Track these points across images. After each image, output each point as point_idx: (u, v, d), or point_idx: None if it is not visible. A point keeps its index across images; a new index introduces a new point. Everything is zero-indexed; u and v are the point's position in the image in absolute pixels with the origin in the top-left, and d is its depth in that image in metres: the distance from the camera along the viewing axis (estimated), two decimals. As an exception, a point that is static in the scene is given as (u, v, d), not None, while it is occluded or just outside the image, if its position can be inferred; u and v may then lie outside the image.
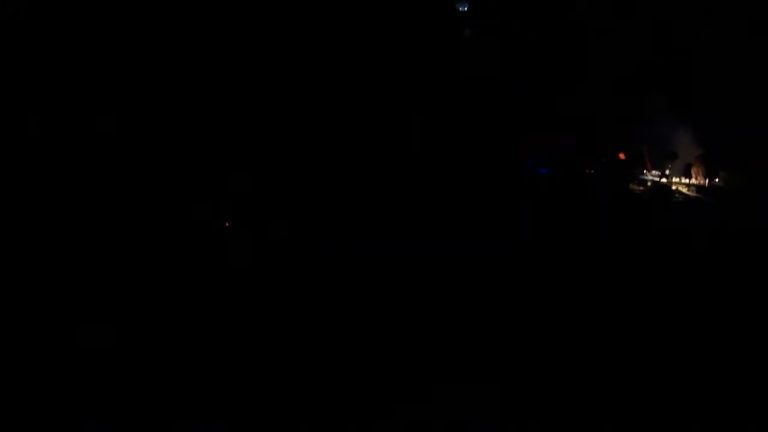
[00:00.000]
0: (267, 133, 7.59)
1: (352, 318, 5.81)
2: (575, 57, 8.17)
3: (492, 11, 8.13)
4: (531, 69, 8.14)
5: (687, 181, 8.32)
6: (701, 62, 8.23)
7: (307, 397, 4.72)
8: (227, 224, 7.11)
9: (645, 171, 8.33)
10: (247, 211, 7.17)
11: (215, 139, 7.41)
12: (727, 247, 7.33)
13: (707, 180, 8.28)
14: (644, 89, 8.23)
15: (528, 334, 5.79)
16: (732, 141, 8.06)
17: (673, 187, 8.30)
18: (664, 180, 8.33)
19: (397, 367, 5.11)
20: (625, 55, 8.23)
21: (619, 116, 8.23)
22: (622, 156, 8.31)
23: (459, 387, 4.86)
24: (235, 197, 7.23)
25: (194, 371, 4.94)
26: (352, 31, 7.83)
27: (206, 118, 7.43)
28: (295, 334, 5.49)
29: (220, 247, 6.78)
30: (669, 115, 8.24)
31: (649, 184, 8.30)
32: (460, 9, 8.13)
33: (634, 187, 8.28)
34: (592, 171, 8.22)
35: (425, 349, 5.36)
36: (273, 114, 7.64)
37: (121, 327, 5.38)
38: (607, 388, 5.07)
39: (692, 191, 8.29)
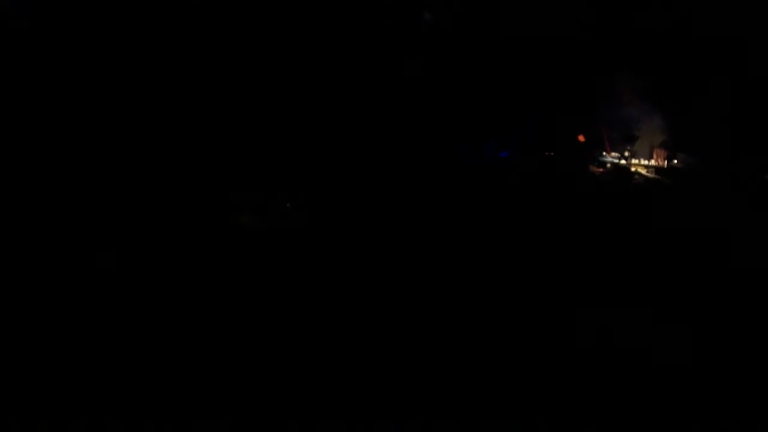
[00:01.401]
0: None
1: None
2: (534, 42, 8.14)
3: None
4: (492, 57, 8.10)
5: (646, 162, 8.35)
6: (662, 46, 8.25)
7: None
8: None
9: (604, 153, 8.35)
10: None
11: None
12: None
13: (666, 162, 8.32)
14: (604, 73, 8.24)
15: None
16: (691, 124, 8.12)
17: (633, 169, 8.33)
18: (623, 162, 8.35)
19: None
20: (586, 40, 8.22)
21: (579, 99, 8.21)
22: (581, 138, 8.31)
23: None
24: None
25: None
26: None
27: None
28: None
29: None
30: (629, 99, 8.25)
31: (608, 165, 8.32)
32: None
33: (594, 168, 8.29)
34: (552, 154, 8.21)
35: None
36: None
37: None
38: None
39: (651, 173, 8.33)
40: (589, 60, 8.17)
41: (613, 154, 8.36)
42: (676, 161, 8.32)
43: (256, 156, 7.53)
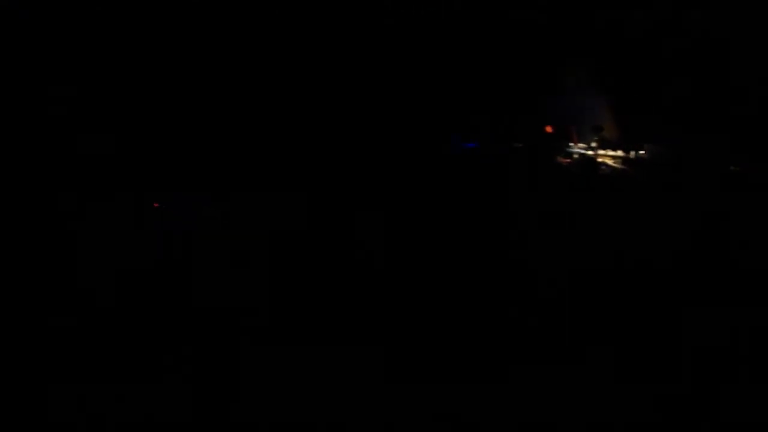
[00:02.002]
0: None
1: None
2: (503, 31, 8.16)
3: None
4: (459, 46, 8.11)
5: (613, 153, 8.40)
6: (628, 36, 8.32)
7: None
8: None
9: (572, 144, 8.39)
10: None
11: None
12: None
13: (632, 153, 8.38)
14: (572, 63, 8.29)
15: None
16: (656, 115, 8.19)
17: (599, 160, 8.38)
18: (590, 153, 8.40)
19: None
20: (554, 28, 8.26)
21: (547, 90, 8.25)
22: (549, 129, 8.34)
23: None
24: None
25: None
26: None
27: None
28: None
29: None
30: (596, 89, 8.31)
31: (575, 156, 8.36)
32: None
33: (561, 159, 8.33)
34: (520, 144, 8.23)
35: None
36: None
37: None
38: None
39: (618, 163, 8.38)
40: (558, 51, 8.22)
41: (580, 145, 8.41)
42: (642, 152, 8.38)
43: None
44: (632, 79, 8.23)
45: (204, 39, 7.63)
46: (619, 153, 8.38)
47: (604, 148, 8.38)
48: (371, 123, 7.87)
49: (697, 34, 8.11)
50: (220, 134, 7.57)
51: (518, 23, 8.20)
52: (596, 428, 4.93)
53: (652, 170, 8.20)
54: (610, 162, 8.38)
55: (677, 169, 8.12)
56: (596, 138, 8.38)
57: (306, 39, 7.82)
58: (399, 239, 7.16)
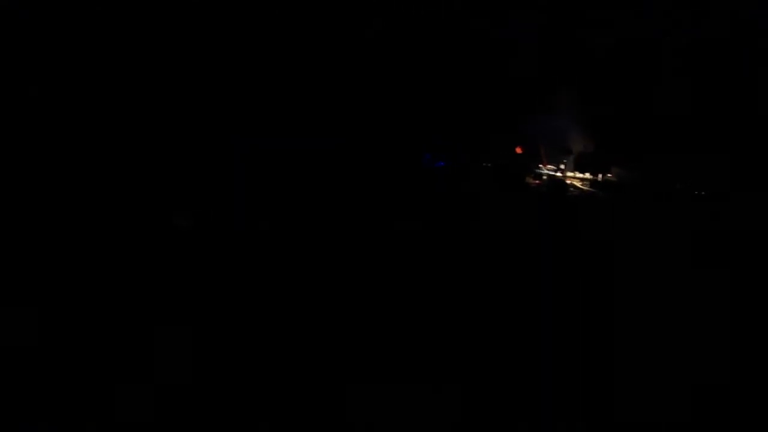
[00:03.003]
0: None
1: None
2: (473, 56, 8.30)
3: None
4: (433, 67, 8.23)
5: (581, 175, 8.51)
6: (597, 60, 8.48)
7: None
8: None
9: (541, 165, 8.49)
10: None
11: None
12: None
13: (600, 175, 8.50)
14: (542, 86, 8.42)
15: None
16: (623, 137, 8.32)
17: (568, 181, 8.48)
18: (559, 174, 8.50)
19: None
20: (524, 51, 8.41)
21: (517, 112, 8.37)
22: (519, 150, 8.45)
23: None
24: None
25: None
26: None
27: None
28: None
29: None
30: (565, 111, 8.43)
31: (544, 177, 8.46)
32: None
33: (530, 180, 8.42)
34: (490, 164, 8.33)
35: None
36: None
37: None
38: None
39: (586, 185, 8.49)
40: (529, 74, 8.35)
41: (549, 166, 8.51)
42: (610, 174, 8.50)
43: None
44: (602, 102, 8.37)
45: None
46: (587, 175, 8.49)
47: (572, 170, 8.49)
48: (345, 141, 7.93)
49: (664, 59, 8.29)
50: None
51: (492, 45, 8.34)
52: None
53: (620, 192, 8.32)
54: (578, 184, 8.49)
55: (645, 191, 8.24)
56: (565, 160, 8.49)
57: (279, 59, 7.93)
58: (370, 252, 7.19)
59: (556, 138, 8.47)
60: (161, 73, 7.68)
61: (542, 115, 8.39)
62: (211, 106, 7.69)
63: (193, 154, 7.54)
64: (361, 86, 7.98)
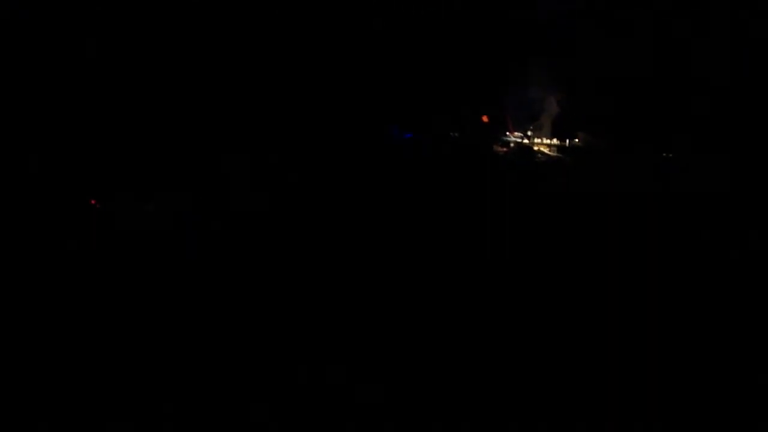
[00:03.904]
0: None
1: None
2: (441, 23, 8.37)
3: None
4: (399, 38, 8.31)
5: (548, 141, 8.66)
6: (564, 26, 8.53)
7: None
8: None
9: (507, 133, 8.63)
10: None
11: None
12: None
13: (567, 141, 8.64)
14: (509, 55, 8.50)
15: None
16: (589, 104, 8.43)
17: (535, 148, 8.64)
18: (526, 141, 8.65)
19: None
20: (491, 20, 8.46)
21: (483, 80, 8.47)
22: (485, 119, 8.58)
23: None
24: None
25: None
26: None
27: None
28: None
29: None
30: (531, 79, 8.53)
31: (511, 145, 8.61)
32: None
33: (497, 148, 8.58)
34: (456, 134, 8.49)
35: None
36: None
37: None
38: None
39: (553, 151, 8.64)
40: (492, 41, 8.42)
41: (516, 133, 8.65)
42: (577, 140, 8.64)
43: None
44: (567, 69, 8.45)
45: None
46: (555, 141, 8.64)
47: (539, 137, 8.63)
48: (314, 114, 8.09)
49: (629, 26, 8.33)
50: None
51: (457, 16, 8.40)
52: None
53: (586, 157, 8.47)
54: (545, 150, 8.64)
55: (610, 157, 8.38)
56: (531, 127, 8.63)
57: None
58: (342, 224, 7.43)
59: (523, 105, 8.59)
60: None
61: (510, 83, 8.50)
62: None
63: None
64: (326, 59, 8.11)
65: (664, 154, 8.25)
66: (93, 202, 7.17)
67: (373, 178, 7.90)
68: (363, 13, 8.19)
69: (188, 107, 7.85)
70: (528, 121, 8.60)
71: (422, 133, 8.38)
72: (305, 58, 8.07)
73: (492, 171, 8.43)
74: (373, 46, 8.15)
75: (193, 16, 7.92)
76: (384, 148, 8.18)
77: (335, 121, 8.03)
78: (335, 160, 7.91)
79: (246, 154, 7.78)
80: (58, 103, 7.56)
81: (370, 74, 8.19)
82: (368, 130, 8.18)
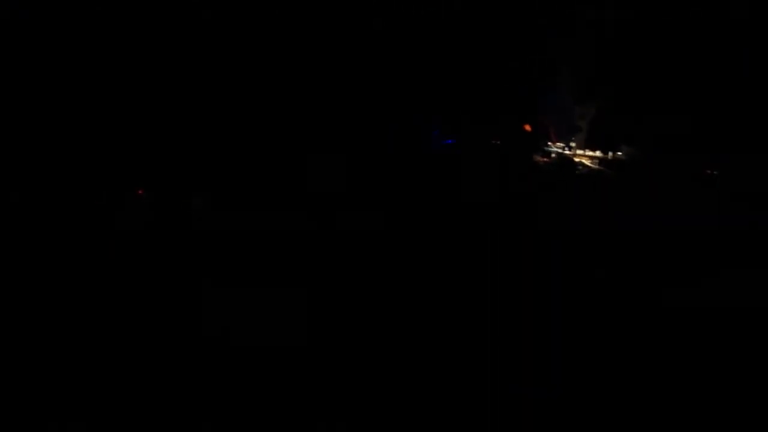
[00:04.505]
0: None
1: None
2: (485, 30, 8.30)
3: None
4: (441, 44, 8.26)
5: (590, 153, 8.53)
6: (609, 38, 8.41)
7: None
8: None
9: (549, 143, 8.53)
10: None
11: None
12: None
13: (609, 153, 8.50)
14: (552, 65, 8.41)
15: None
16: (633, 117, 8.30)
17: (576, 159, 8.51)
18: (567, 152, 8.53)
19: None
20: (537, 29, 8.38)
21: (527, 89, 8.38)
22: (527, 128, 8.48)
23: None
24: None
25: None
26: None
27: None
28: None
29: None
30: (576, 90, 8.43)
31: (553, 156, 8.50)
32: None
33: (538, 158, 8.47)
34: (498, 142, 8.39)
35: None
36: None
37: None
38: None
39: (595, 163, 8.51)
40: (539, 51, 8.34)
41: (557, 144, 8.54)
42: (620, 153, 8.51)
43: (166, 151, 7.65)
44: (613, 80, 8.33)
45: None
46: (597, 153, 8.51)
47: (581, 148, 8.51)
48: (356, 118, 8.04)
49: (676, 39, 8.19)
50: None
51: (501, 23, 8.33)
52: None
53: (629, 171, 8.32)
54: (587, 162, 8.51)
55: (652, 170, 8.23)
56: (574, 138, 8.51)
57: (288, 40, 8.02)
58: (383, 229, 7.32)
59: (566, 116, 8.48)
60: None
61: (552, 92, 8.40)
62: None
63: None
64: (368, 63, 8.07)
65: (710, 171, 8.08)
66: (140, 192, 7.16)
67: (412, 182, 7.82)
68: (411, 21, 8.14)
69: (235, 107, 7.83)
70: (571, 132, 8.49)
71: (463, 139, 8.29)
72: (347, 63, 8.04)
73: (531, 180, 8.33)
74: (419, 52, 8.09)
75: (205, 18, 7.89)
76: (425, 152, 8.10)
77: (377, 126, 7.97)
78: (375, 163, 7.83)
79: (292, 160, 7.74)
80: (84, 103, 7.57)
81: (415, 80, 8.13)
82: (410, 135, 8.11)
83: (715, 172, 8.12)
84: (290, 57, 7.97)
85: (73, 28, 7.55)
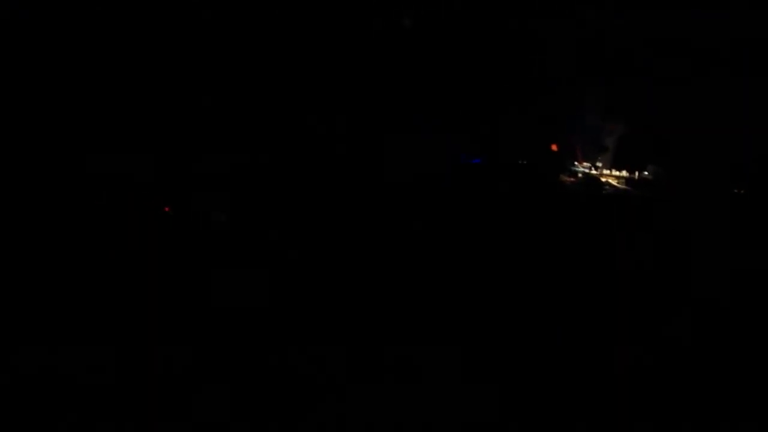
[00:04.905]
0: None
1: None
2: (508, 50, 8.26)
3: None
4: (468, 61, 8.20)
5: (617, 173, 8.48)
6: (636, 56, 8.39)
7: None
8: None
9: (576, 163, 8.47)
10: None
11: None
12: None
13: (636, 172, 8.46)
14: (576, 82, 8.37)
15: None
16: (661, 134, 8.26)
17: (603, 179, 8.45)
18: (594, 172, 8.48)
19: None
20: (563, 46, 8.34)
21: (554, 108, 8.34)
22: (554, 147, 8.43)
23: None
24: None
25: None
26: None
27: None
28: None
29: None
30: (601, 108, 8.39)
31: (579, 175, 8.44)
32: None
33: (565, 178, 8.41)
34: (524, 161, 8.32)
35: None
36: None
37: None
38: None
39: (622, 183, 8.45)
40: (565, 70, 8.30)
41: (584, 164, 8.49)
42: (646, 172, 8.46)
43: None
44: (639, 99, 8.30)
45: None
46: (624, 173, 8.46)
47: (608, 168, 8.46)
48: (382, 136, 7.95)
49: (702, 56, 8.18)
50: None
51: (527, 41, 8.29)
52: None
53: (656, 191, 8.27)
54: (614, 182, 8.46)
55: (680, 190, 8.18)
56: (600, 157, 8.46)
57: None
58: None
59: (592, 135, 8.44)
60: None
61: (579, 112, 8.36)
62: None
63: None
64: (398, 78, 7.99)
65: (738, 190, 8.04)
66: (167, 209, 6.98)
67: (442, 201, 7.72)
68: (439, 38, 8.09)
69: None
70: (598, 151, 8.44)
71: (489, 158, 8.21)
72: (375, 76, 7.96)
73: (558, 201, 8.25)
74: (446, 71, 8.03)
75: (212, 19, 7.75)
76: (452, 171, 8.01)
77: (408, 144, 7.87)
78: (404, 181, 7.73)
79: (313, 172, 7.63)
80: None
81: (437, 95, 8.06)
82: (436, 152, 8.02)
83: (742, 191, 8.09)
84: (315, 70, 7.88)
85: (73, 28, 7.39)
